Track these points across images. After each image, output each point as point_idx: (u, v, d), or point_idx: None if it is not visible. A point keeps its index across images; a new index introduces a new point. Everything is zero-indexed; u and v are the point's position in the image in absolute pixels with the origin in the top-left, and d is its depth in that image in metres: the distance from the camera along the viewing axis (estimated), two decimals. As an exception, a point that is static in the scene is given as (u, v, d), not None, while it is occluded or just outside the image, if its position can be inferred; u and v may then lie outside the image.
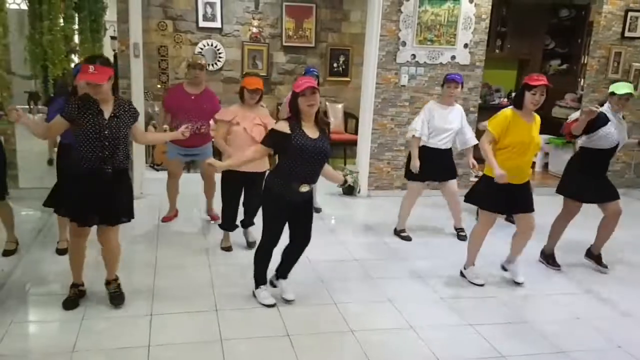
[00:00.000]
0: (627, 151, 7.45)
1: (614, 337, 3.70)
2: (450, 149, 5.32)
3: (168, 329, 3.52)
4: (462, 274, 4.53)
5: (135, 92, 6.07)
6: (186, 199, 5.88)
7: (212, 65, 8.13)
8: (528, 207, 4.28)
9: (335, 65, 8.59)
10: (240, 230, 4.97)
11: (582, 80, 8.03)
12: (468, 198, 4.43)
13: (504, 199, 4.18)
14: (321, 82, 8.51)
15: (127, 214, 3.66)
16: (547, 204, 5.21)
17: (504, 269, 4.62)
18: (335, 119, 8.43)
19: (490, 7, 6.72)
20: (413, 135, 5.12)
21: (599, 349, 3.55)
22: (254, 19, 8.22)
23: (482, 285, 4.39)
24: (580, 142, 4.66)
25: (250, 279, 3.99)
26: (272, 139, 3.64)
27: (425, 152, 5.15)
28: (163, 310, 3.74)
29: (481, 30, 6.73)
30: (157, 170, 7.55)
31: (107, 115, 3.41)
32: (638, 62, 7.21)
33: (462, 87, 5.19)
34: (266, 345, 3.41)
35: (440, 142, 5.18)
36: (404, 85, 6.66)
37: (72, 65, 4.76)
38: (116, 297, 3.78)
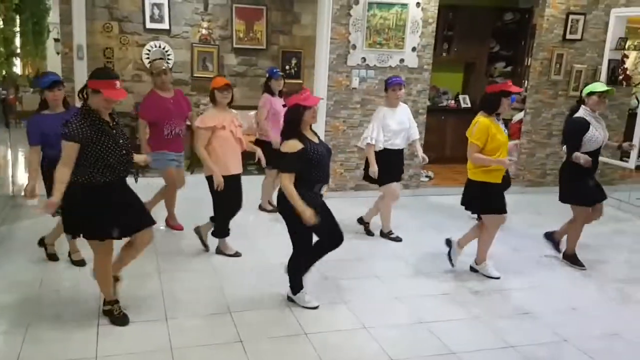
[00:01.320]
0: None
1: (561, 331, 3.82)
2: (403, 149, 5.43)
3: (117, 339, 3.43)
4: (473, 269, 4.72)
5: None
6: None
7: (161, 67, 7.97)
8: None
9: (287, 67, 8.57)
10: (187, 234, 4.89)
11: (526, 81, 8.29)
12: (483, 210, 4.56)
13: (503, 198, 4.47)
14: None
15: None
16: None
17: (473, 269, 4.75)
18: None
19: (436, 11, 6.85)
20: (368, 143, 5.18)
21: (547, 343, 3.67)
22: (203, 20, 8.12)
23: (498, 277, 4.60)
24: (564, 150, 4.80)
25: (204, 286, 3.93)
26: (294, 161, 3.64)
27: (390, 155, 5.22)
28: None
29: (428, 34, 6.86)
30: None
31: (112, 125, 3.39)
32: (579, 63, 7.50)
33: (404, 87, 5.32)
34: (218, 353, 3.36)
35: (399, 142, 5.31)
36: (355, 88, 6.72)
37: (14, 69, 4.59)
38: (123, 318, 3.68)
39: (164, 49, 7.98)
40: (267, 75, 6.05)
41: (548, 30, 7.31)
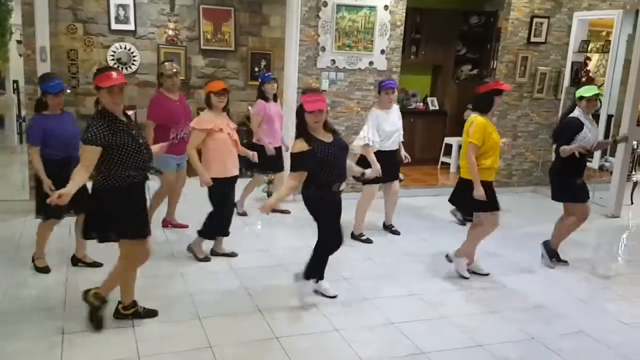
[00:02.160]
0: (535, 150, 7.90)
1: (527, 328, 3.88)
2: (397, 149, 5.50)
3: (80, 349, 3.35)
4: (448, 259, 4.83)
5: (42, 98, 5.74)
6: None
7: (127, 68, 7.85)
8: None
9: (256, 69, 8.53)
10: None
11: (492, 84, 8.41)
12: (478, 209, 4.58)
13: (495, 195, 4.57)
14: (242, 87, 8.44)
15: None
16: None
17: (450, 260, 4.85)
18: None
19: (404, 15, 6.91)
20: (365, 144, 5.20)
21: (514, 341, 3.72)
22: (169, 21, 8.01)
23: (467, 278, 4.64)
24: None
25: (170, 290, 3.87)
26: (299, 161, 3.79)
27: (384, 156, 5.26)
28: (76, 329, 3.55)
29: (396, 36, 6.91)
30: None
31: (128, 125, 3.38)
32: (543, 65, 7.66)
33: (396, 90, 5.45)
34: (189, 359, 3.31)
35: (392, 144, 5.37)
36: (325, 90, 6.72)
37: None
38: (151, 312, 3.78)
39: (129, 50, 7.86)
40: (260, 80, 6.05)
41: (513, 33, 7.44)
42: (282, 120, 6.16)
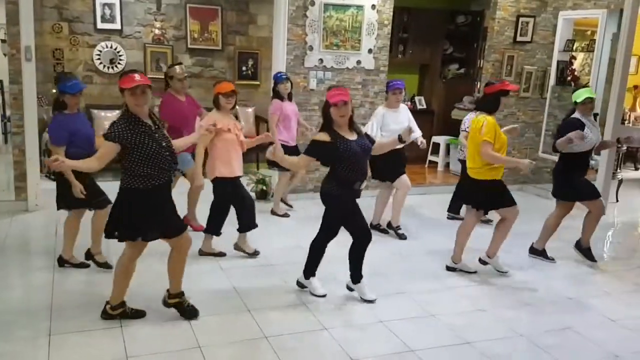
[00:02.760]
0: (522, 149, 7.95)
1: (514, 326, 3.91)
2: (403, 148, 5.50)
3: (66, 350, 3.32)
4: (483, 262, 4.86)
5: (27, 97, 5.70)
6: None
7: (112, 67, 7.79)
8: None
9: (244, 68, 8.52)
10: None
11: (479, 83, 8.48)
12: (499, 206, 4.67)
13: (500, 195, 4.63)
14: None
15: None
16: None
17: (483, 262, 4.90)
18: (247, 123, 8.35)
19: (391, 14, 6.93)
20: None
21: (502, 338, 3.75)
22: (156, 20, 7.97)
23: (507, 272, 4.79)
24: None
25: (159, 289, 3.84)
26: (315, 149, 3.88)
27: (388, 154, 5.24)
28: (61, 329, 3.52)
29: (384, 36, 6.93)
30: (54, 180, 7.10)
31: (154, 128, 3.43)
32: (529, 65, 7.72)
33: (405, 90, 5.62)
34: (177, 359, 3.30)
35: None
36: (313, 89, 6.72)
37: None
38: (192, 311, 3.78)
39: (115, 49, 7.81)
40: (274, 81, 6.07)
41: (499, 33, 7.49)
42: (298, 118, 6.20)
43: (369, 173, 4.16)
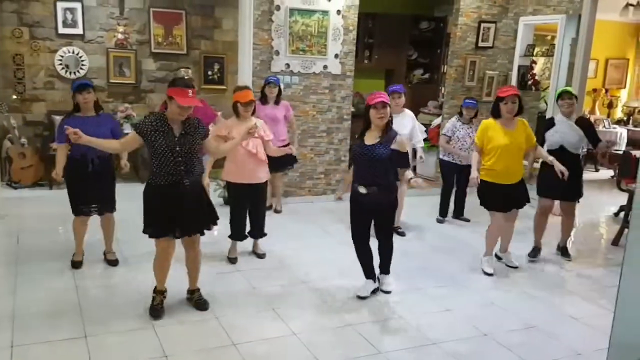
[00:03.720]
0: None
1: (479, 325, 3.97)
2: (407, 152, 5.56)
3: (32, 358, 3.24)
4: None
5: (-14, 103, 5.54)
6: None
7: (75, 73, 7.64)
8: (523, 203, 4.90)
9: (210, 73, 8.44)
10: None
11: (443, 88, 8.60)
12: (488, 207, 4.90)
13: (500, 199, 4.78)
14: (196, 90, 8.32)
15: (212, 220, 3.91)
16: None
17: (498, 257, 5.18)
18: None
19: (357, 19, 6.98)
20: None
21: (466, 337, 3.80)
22: (119, 25, 7.84)
23: (491, 275, 4.89)
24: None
25: (123, 297, 3.79)
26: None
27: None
28: (25, 341, 3.43)
29: (349, 41, 6.97)
30: (15, 188, 6.94)
31: (177, 132, 3.60)
32: (491, 69, 7.87)
33: (404, 95, 5.67)
34: (143, 368, 3.25)
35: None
36: (278, 94, 6.70)
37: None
38: (203, 303, 4.00)
39: (77, 54, 7.66)
40: (265, 82, 6.19)
41: (461, 38, 7.62)
42: (280, 123, 6.15)
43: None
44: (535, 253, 5.38)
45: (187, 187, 3.65)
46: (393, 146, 4.01)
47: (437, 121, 7.94)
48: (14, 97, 7.48)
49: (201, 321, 3.84)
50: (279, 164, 5.89)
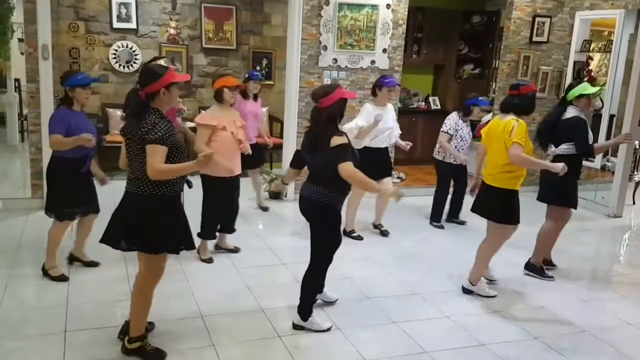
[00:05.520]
0: (537, 149, 7.86)
1: (528, 328, 3.88)
2: (387, 147, 5.47)
3: (82, 347, 3.34)
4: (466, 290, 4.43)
5: (43, 96, 5.75)
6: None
7: (128, 67, 7.85)
8: None
9: (258, 68, 8.52)
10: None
11: (494, 83, 8.42)
12: (504, 219, 4.23)
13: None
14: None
15: None
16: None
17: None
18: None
19: (406, 13, 6.91)
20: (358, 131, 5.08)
21: (516, 340, 3.72)
22: (171, 20, 8.02)
23: (494, 296, 4.38)
24: (560, 150, 4.64)
25: (172, 289, 3.86)
26: (351, 150, 3.46)
27: (374, 153, 5.22)
28: (78, 327, 3.55)
29: (398, 35, 6.90)
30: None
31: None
32: (545, 65, 7.65)
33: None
34: (191, 358, 3.31)
35: (381, 142, 5.33)
36: (326, 89, 6.70)
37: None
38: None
39: (131, 48, 7.86)
40: (246, 76, 6.12)
41: (515, 33, 7.43)
42: (259, 119, 6.20)
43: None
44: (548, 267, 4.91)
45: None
46: None
47: (487, 117, 7.76)
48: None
49: (248, 313, 3.88)
50: (257, 160, 6.02)
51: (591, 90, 4.66)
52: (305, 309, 3.67)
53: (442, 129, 5.84)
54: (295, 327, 3.68)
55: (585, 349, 3.66)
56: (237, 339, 3.54)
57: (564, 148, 4.62)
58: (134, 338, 3.20)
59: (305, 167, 3.71)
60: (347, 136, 3.49)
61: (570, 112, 4.62)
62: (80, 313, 3.72)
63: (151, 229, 3.03)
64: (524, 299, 4.39)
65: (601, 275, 5.08)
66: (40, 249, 4.36)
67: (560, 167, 4.08)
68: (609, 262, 5.48)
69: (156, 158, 2.92)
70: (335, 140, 3.38)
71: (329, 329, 3.68)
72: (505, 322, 3.97)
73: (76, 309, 3.77)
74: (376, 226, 5.79)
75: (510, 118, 4.16)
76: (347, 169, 3.35)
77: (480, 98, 6.02)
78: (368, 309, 4.06)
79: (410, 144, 5.59)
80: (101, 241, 3.13)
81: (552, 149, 4.71)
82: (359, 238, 5.50)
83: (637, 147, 7.08)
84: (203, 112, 4.77)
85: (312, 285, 3.71)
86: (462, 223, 6.13)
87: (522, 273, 4.85)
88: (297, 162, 3.79)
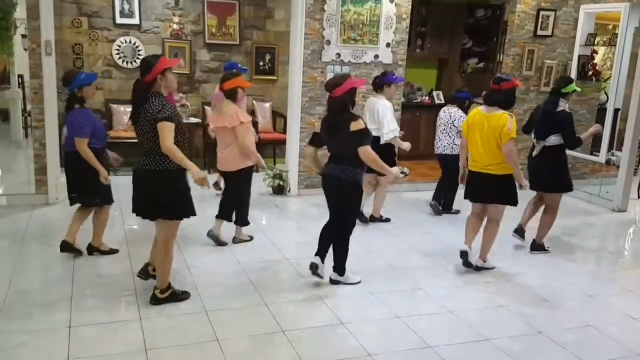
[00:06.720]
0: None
1: (533, 322, 3.87)
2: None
3: (87, 341, 3.35)
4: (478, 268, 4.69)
5: (47, 92, 5.76)
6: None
7: (131, 62, 7.84)
8: None
9: (261, 63, 8.51)
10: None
11: (498, 77, 8.36)
12: (507, 201, 4.56)
13: None
14: (248, 81, 8.40)
15: None
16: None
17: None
18: (263, 118, 8.36)
19: (410, 7, 6.87)
20: (395, 136, 5.45)
21: (520, 335, 3.71)
22: (174, 15, 8.00)
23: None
24: (549, 142, 4.96)
25: (177, 283, 3.87)
26: (370, 136, 4.06)
27: (377, 146, 5.21)
28: (83, 322, 3.56)
29: (402, 29, 6.87)
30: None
31: None
32: (550, 59, 7.61)
33: None
34: (195, 352, 3.31)
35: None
36: (329, 84, 6.68)
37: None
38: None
39: (134, 44, 7.85)
40: (225, 67, 6.27)
41: (519, 27, 7.39)
42: None
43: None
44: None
45: None
46: None
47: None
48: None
49: (252, 307, 3.89)
50: None
51: (578, 88, 5.11)
52: (340, 267, 4.26)
53: (455, 125, 5.90)
54: (333, 282, 4.29)
55: (590, 343, 3.65)
56: (240, 333, 3.54)
57: (553, 139, 4.94)
58: (164, 288, 3.79)
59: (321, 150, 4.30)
60: (362, 120, 4.00)
61: (560, 105, 4.93)
62: (85, 307, 3.73)
63: (172, 199, 3.62)
64: (528, 293, 4.37)
65: (606, 269, 5.06)
66: (45, 243, 4.38)
67: (526, 185, 4.55)
68: (613, 257, 5.46)
69: (168, 134, 3.43)
70: (355, 125, 3.92)
71: (359, 282, 4.31)
72: (509, 317, 3.96)
73: (80, 303, 3.78)
74: (375, 218, 5.83)
75: (502, 112, 4.36)
76: (367, 152, 3.96)
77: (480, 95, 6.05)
78: (371, 303, 4.06)
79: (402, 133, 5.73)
80: (134, 212, 3.71)
81: (542, 143, 5.01)
82: (387, 220, 5.85)
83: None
84: (234, 110, 4.73)
85: (343, 248, 4.24)
86: (458, 212, 6.25)
87: (526, 267, 4.85)
88: (317, 141, 4.33)
